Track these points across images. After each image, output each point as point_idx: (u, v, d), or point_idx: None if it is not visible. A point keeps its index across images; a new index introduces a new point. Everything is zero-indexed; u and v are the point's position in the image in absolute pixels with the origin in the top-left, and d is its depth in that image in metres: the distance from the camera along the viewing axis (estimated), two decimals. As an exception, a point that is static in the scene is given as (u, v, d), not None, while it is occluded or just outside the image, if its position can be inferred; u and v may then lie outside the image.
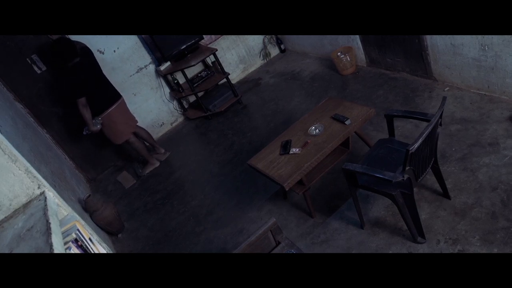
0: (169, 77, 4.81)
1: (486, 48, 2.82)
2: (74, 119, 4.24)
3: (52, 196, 2.02)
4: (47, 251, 1.43)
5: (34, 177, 2.04)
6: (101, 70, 3.91)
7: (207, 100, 4.84)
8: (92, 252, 1.80)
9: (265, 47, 5.50)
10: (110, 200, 3.87)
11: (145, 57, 4.70)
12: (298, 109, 4.14)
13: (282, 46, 5.53)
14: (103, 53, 4.41)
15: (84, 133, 3.92)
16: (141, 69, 4.72)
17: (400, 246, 2.37)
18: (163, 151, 4.54)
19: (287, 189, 2.56)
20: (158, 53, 4.62)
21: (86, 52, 3.75)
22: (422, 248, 2.30)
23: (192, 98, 5.15)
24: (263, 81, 5.10)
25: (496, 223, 2.23)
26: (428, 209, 2.49)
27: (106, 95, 3.91)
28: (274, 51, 5.62)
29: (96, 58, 4.37)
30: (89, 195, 3.40)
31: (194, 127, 4.91)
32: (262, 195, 3.27)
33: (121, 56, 4.54)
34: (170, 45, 4.45)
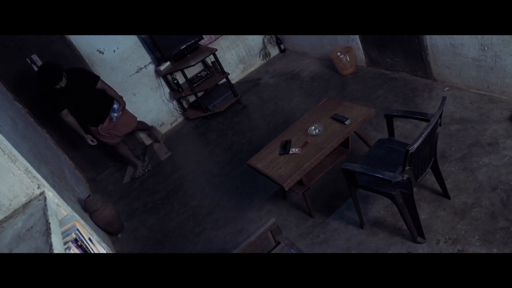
0: (169, 77, 4.81)
1: (486, 48, 2.82)
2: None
3: (51, 196, 2.02)
4: (47, 251, 1.43)
5: (34, 177, 2.04)
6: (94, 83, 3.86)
7: (206, 100, 4.83)
8: (92, 252, 1.80)
9: (264, 47, 5.50)
10: (110, 200, 3.87)
11: (144, 57, 4.70)
12: (298, 109, 4.14)
13: (282, 46, 5.53)
14: (102, 53, 4.41)
15: (114, 118, 4.01)
16: (140, 69, 4.72)
17: (399, 246, 2.37)
18: (160, 136, 4.75)
19: (286, 189, 2.56)
20: (157, 53, 4.62)
21: (75, 74, 3.72)
22: (422, 248, 2.30)
23: (191, 98, 5.15)
24: (262, 81, 5.10)
25: (495, 223, 2.23)
26: (428, 209, 2.49)
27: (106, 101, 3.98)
28: (273, 51, 5.62)
29: (96, 58, 4.38)
30: (89, 195, 3.40)
31: (193, 127, 4.91)
32: (262, 195, 3.27)
33: (120, 56, 4.54)
34: (169, 45, 4.45)
